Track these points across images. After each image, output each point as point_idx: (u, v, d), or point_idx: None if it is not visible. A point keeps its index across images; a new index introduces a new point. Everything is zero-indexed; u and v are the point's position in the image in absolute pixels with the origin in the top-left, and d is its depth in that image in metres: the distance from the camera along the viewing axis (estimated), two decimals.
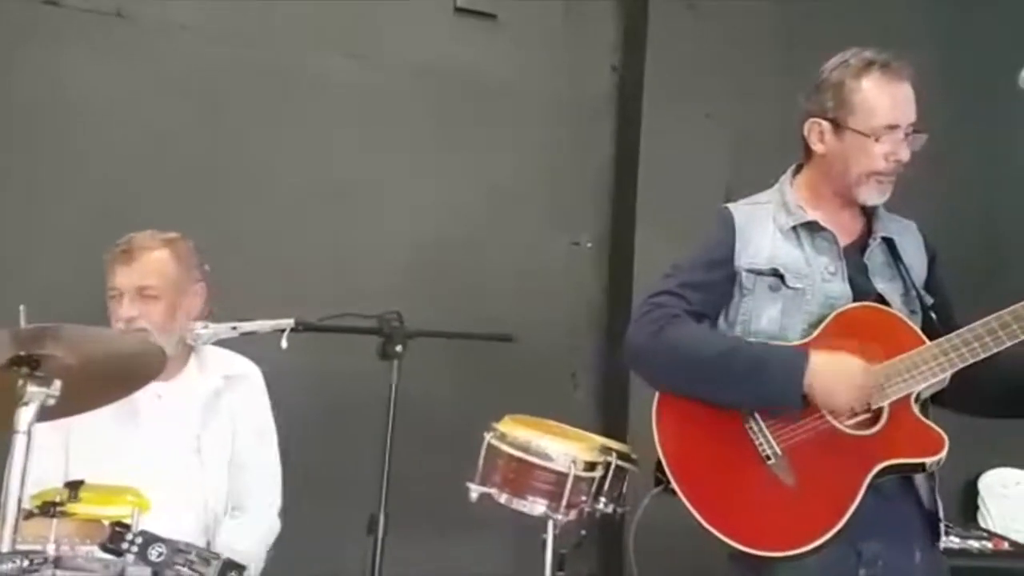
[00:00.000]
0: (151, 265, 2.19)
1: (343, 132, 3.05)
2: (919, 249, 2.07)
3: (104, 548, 1.56)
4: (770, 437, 1.90)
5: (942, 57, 3.29)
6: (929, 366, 1.86)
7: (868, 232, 2.05)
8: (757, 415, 1.91)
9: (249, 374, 2.30)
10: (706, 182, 3.27)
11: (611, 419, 3.26)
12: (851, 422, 1.91)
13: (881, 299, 1.98)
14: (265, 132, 2.98)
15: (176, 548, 1.56)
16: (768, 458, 1.88)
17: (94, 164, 2.81)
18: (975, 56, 3.42)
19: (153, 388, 2.02)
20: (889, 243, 2.04)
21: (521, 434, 1.97)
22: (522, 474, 1.95)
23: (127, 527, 1.59)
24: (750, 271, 1.99)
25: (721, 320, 2.03)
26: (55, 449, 2.06)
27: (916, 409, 1.89)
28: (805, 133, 2.02)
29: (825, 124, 1.99)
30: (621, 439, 3.14)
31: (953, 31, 3.52)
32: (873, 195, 1.98)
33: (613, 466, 2.05)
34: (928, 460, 1.86)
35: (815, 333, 1.94)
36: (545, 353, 3.20)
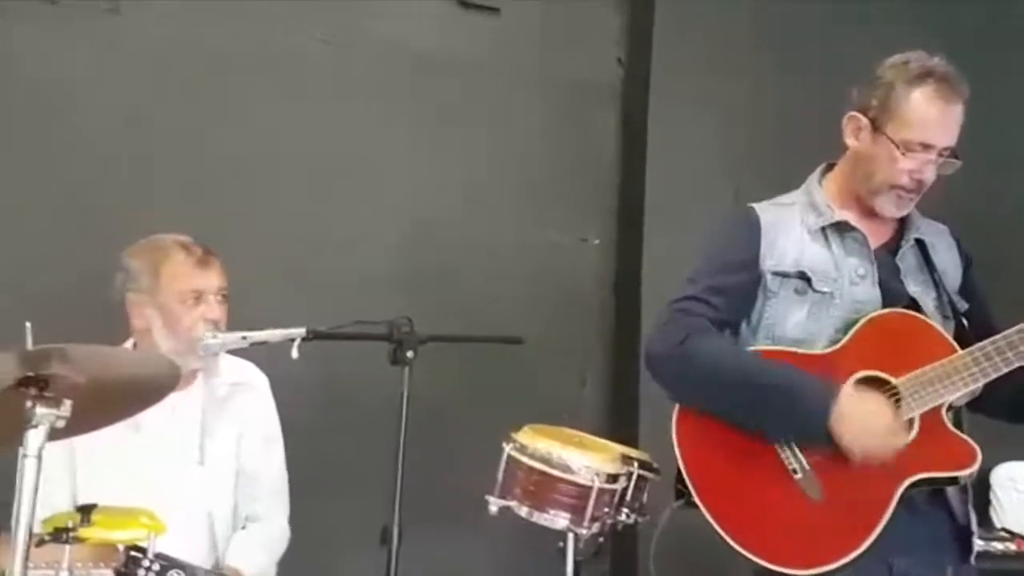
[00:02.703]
0: (221, 267, 2.16)
1: (343, 131, 2.99)
2: (952, 254, 2.02)
3: (119, 573, 1.51)
4: (797, 450, 1.85)
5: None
6: (961, 376, 1.81)
7: (900, 234, 1.99)
8: None
9: (255, 381, 2.25)
10: (715, 176, 3.23)
11: (621, 419, 3.23)
12: None
13: (914, 303, 1.93)
14: (265, 133, 2.91)
15: (193, 572, 1.50)
16: (795, 472, 1.84)
17: (86, 170, 2.73)
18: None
19: None
20: (921, 245, 1.99)
21: (541, 445, 1.92)
22: (543, 487, 1.90)
23: (142, 551, 1.53)
24: (776, 273, 1.94)
25: (743, 325, 1.97)
26: (60, 466, 2.01)
27: (948, 420, 1.84)
28: (844, 123, 1.96)
29: (864, 121, 1.93)
30: (632, 439, 3.14)
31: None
32: (890, 207, 1.93)
33: (635, 476, 2.01)
34: (961, 473, 1.82)
35: (844, 340, 1.89)
36: (554, 353, 3.16)
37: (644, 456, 2.07)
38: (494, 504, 1.92)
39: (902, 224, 2.00)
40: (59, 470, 2.00)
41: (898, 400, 1.83)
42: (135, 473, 2.03)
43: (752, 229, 1.96)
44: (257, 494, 2.19)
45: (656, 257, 3.17)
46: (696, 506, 1.87)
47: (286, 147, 2.92)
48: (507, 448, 1.94)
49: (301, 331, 1.99)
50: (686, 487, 1.88)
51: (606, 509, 1.94)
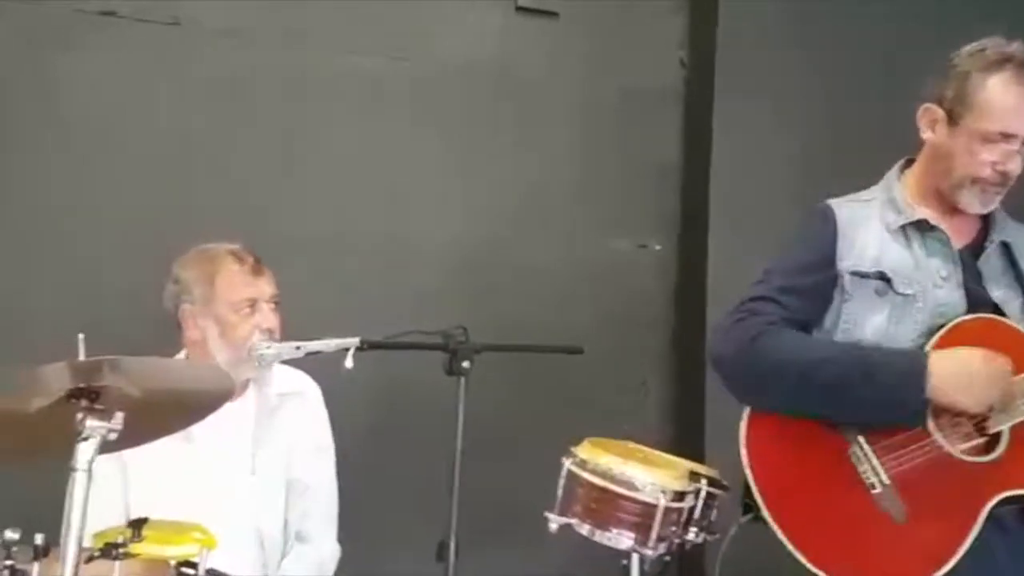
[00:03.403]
0: (272, 275, 2.14)
1: (396, 137, 2.95)
2: None
3: None
4: (876, 463, 1.74)
5: None
6: None
7: (984, 235, 1.88)
8: (862, 438, 1.76)
9: (306, 391, 2.22)
10: (782, 179, 3.13)
11: (686, 431, 3.14)
12: (965, 446, 1.74)
13: (997, 309, 1.81)
14: (316, 139, 2.88)
15: None
16: (873, 487, 1.73)
17: (140, 180, 2.72)
18: None
19: None
20: (1006, 248, 1.87)
21: (603, 461, 1.83)
22: (605, 504, 1.80)
23: (194, 566, 1.49)
24: (854, 274, 1.83)
25: (818, 329, 1.87)
26: (113, 478, 1.99)
27: None
28: (918, 116, 1.86)
29: (940, 113, 1.83)
30: (698, 452, 3.05)
31: None
32: (974, 203, 1.82)
33: (703, 494, 1.90)
34: None
35: (926, 348, 1.77)
36: (615, 362, 3.09)
37: (712, 473, 1.97)
38: (554, 521, 1.83)
39: (986, 224, 1.88)
40: (111, 483, 1.99)
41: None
42: (187, 485, 2.01)
43: (828, 226, 1.87)
44: (308, 508, 2.15)
45: (720, 262, 3.08)
46: (765, 521, 1.77)
47: (341, 161, 2.88)
48: (567, 463, 1.86)
49: (355, 340, 1.95)
50: (754, 501, 1.79)
51: (673, 528, 1.84)
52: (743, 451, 1.82)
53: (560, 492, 1.86)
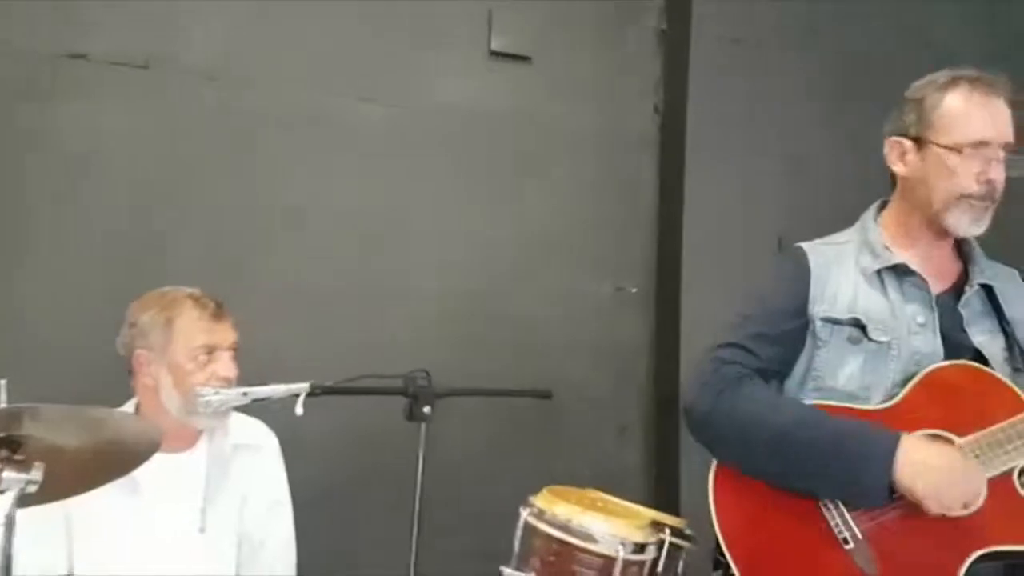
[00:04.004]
0: (233, 322, 2.07)
1: (369, 181, 2.92)
2: None
3: None
4: (848, 518, 1.67)
5: None
6: None
7: (964, 278, 1.81)
8: None
9: (262, 442, 2.13)
10: (755, 223, 3.12)
11: (661, 477, 3.06)
12: None
13: (979, 355, 1.74)
14: (291, 182, 2.85)
15: None
16: (846, 542, 1.65)
17: (110, 219, 2.68)
18: None
19: (156, 458, 1.85)
20: (988, 291, 1.80)
21: (561, 511, 1.75)
22: (564, 557, 1.72)
23: None
24: (826, 320, 1.77)
25: (789, 377, 1.81)
26: (55, 529, 1.89)
27: (1020, 485, 1.64)
28: (885, 154, 1.82)
29: (907, 143, 1.78)
30: (674, 498, 2.97)
31: None
32: (964, 222, 1.74)
33: (667, 545, 1.83)
34: None
35: (898, 397, 1.70)
36: (590, 407, 3.04)
37: (677, 522, 1.89)
38: None
39: (966, 267, 1.82)
40: (53, 533, 1.89)
41: None
42: (132, 541, 1.91)
43: (800, 271, 1.81)
44: (263, 566, 2.06)
45: (694, 307, 3.05)
46: None
47: (311, 205, 2.84)
48: (524, 513, 1.78)
49: (305, 386, 1.88)
50: (725, 557, 1.71)
51: None
52: (712, 505, 1.75)
53: (516, 544, 1.78)
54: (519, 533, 1.78)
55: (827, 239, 1.89)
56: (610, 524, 1.74)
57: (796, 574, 1.68)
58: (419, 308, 2.90)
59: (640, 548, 1.74)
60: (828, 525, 1.67)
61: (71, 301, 2.57)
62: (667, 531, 1.85)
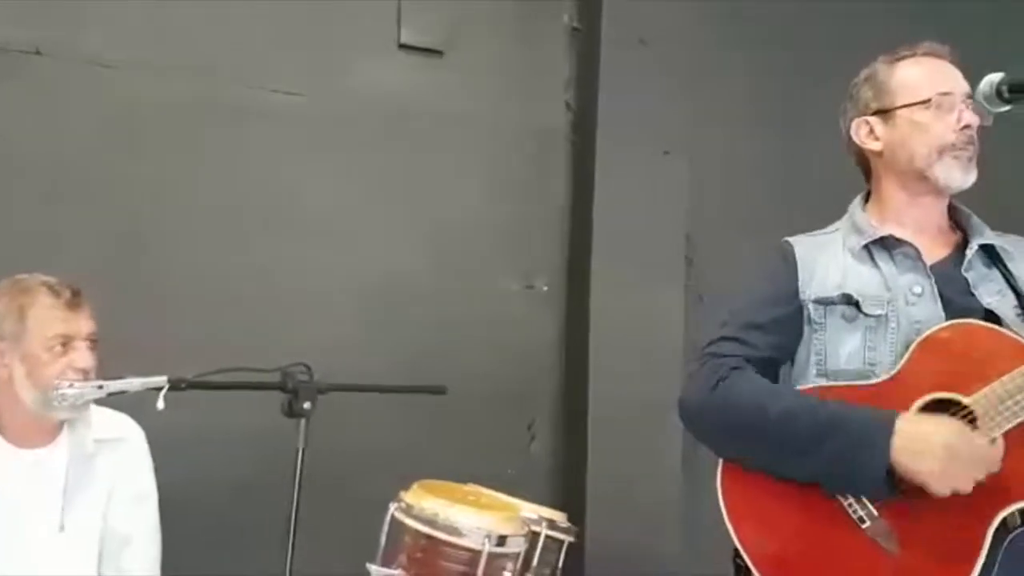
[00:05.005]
0: (91, 311, 1.96)
1: (276, 171, 2.84)
2: None
3: None
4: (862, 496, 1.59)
5: None
6: None
7: (964, 246, 1.77)
8: None
9: (126, 434, 2.04)
10: (664, 221, 3.13)
11: (570, 472, 3.04)
12: None
13: (991, 316, 1.68)
14: (189, 171, 2.75)
15: None
16: (862, 521, 1.58)
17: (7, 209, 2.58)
18: None
19: (13, 455, 1.78)
20: (990, 252, 1.76)
21: (428, 505, 1.71)
22: (430, 552, 1.68)
23: None
24: (818, 301, 1.73)
25: (789, 365, 1.77)
26: None
27: None
28: (854, 137, 1.81)
29: (872, 119, 1.78)
30: (580, 495, 2.95)
31: None
32: (954, 173, 1.72)
33: (543, 537, 1.80)
34: None
35: (896, 369, 1.64)
36: (499, 405, 2.99)
37: (552, 514, 1.86)
38: (376, 573, 1.71)
39: (964, 235, 1.80)
40: None
41: (974, 421, 1.58)
42: None
43: (786, 260, 1.79)
44: (129, 561, 1.97)
45: (603, 305, 3.04)
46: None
47: (206, 192, 2.76)
48: (392, 508, 1.74)
49: (162, 379, 1.80)
50: (743, 560, 1.63)
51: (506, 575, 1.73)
52: (722, 506, 1.66)
53: (383, 540, 1.74)
54: (386, 528, 1.74)
55: (813, 232, 1.87)
56: (477, 517, 1.70)
57: (818, 562, 1.60)
58: (317, 302, 2.83)
59: (505, 541, 1.70)
60: (842, 506, 1.60)
61: None
62: (544, 523, 1.82)
